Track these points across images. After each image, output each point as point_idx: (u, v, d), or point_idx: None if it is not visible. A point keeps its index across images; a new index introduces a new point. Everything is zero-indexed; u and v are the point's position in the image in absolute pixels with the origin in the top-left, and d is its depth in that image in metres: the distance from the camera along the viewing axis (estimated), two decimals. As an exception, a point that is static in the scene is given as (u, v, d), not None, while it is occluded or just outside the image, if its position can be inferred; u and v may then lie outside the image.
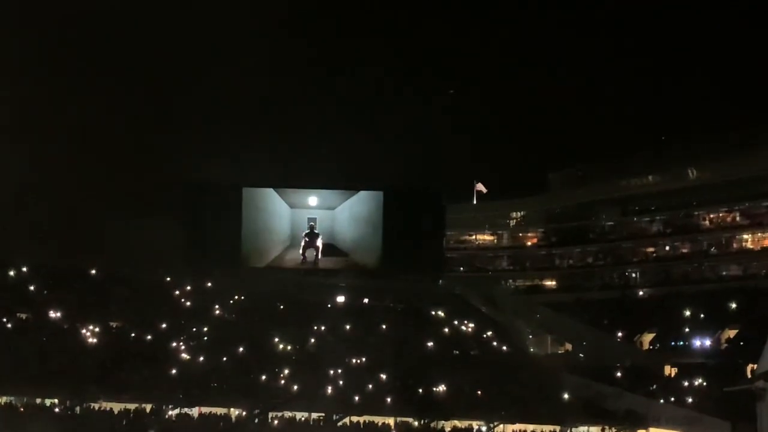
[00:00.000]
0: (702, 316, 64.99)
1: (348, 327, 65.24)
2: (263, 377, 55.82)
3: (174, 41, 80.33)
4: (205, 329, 61.71)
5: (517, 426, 52.57)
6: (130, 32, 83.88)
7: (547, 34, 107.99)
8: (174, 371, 54.64)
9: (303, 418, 52.10)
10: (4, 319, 58.11)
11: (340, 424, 51.51)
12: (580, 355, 67.15)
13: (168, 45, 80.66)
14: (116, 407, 50.66)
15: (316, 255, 79.78)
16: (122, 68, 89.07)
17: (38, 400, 48.96)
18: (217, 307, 66.30)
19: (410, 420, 51.81)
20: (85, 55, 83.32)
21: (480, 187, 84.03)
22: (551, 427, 52.26)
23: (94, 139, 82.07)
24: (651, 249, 76.73)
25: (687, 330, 64.64)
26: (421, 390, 55.74)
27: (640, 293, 73.75)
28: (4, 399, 46.74)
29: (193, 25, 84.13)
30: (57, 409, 48.86)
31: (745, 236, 71.79)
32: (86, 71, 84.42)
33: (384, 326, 65.72)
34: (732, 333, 62.76)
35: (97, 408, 50.14)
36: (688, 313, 65.95)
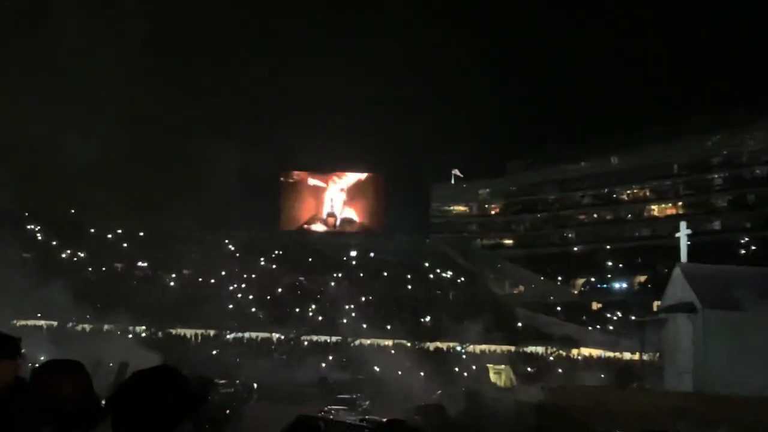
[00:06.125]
0: (620, 265, 65.20)
1: (359, 274, 65.55)
2: (297, 310, 56.30)
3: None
4: (253, 275, 62.07)
5: (483, 346, 52.93)
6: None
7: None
8: (230, 306, 55.11)
9: (325, 341, 52.72)
10: (104, 269, 58.57)
11: (352, 345, 52.04)
12: (530, 294, 67.42)
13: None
14: (188, 332, 51.17)
15: (336, 221, 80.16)
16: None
17: (131, 327, 49.36)
18: (262, 259, 66.62)
19: (404, 341, 52.32)
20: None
21: (456, 172, 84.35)
22: (508, 347, 52.65)
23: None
24: (583, 216, 76.76)
25: (609, 276, 64.99)
26: (412, 320, 56.13)
27: (575, 249, 73.92)
28: (106, 326, 47.08)
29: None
30: (144, 334, 49.35)
31: (653, 207, 72.04)
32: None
33: (385, 274, 66.01)
34: (642, 278, 63.03)
35: (174, 333, 50.64)
36: (610, 263, 66.23)
